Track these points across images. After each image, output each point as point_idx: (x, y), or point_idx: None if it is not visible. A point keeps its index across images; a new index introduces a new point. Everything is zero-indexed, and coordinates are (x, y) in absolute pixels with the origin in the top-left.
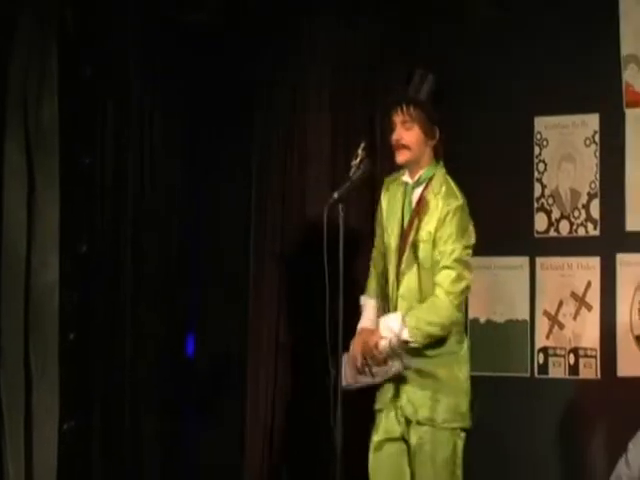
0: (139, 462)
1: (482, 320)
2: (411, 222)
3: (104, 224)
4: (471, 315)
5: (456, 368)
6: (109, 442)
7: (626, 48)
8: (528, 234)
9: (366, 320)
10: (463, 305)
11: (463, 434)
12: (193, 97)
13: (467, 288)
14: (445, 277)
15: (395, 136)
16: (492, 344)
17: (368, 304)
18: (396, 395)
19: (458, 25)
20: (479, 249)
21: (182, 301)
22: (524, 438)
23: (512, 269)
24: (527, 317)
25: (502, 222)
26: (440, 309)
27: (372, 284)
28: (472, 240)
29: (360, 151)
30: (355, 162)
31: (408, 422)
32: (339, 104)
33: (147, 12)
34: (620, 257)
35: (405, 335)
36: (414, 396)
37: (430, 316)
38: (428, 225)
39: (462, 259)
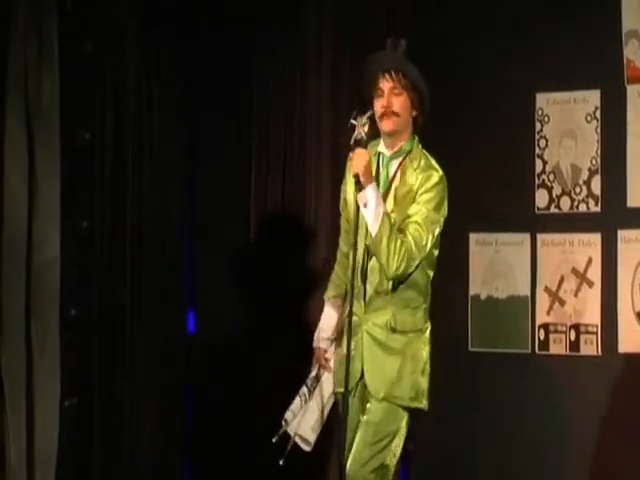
0: (139, 438)
1: (483, 296)
2: (387, 194)
3: (105, 200)
4: (472, 291)
5: (420, 347)
6: (110, 419)
7: (627, 24)
8: (529, 210)
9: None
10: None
11: (408, 414)
12: (192, 71)
13: (412, 258)
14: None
15: (385, 102)
16: (493, 320)
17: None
18: (360, 374)
19: (461, 2)
20: (480, 225)
21: (182, 277)
22: (524, 414)
23: (513, 245)
24: (528, 293)
25: (503, 198)
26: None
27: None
28: (445, 213)
29: (365, 119)
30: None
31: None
32: (339, 74)
33: None
34: (621, 233)
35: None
36: (376, 373)
37: (395, 244)
38: (406, 197)
39: (431, 225)
